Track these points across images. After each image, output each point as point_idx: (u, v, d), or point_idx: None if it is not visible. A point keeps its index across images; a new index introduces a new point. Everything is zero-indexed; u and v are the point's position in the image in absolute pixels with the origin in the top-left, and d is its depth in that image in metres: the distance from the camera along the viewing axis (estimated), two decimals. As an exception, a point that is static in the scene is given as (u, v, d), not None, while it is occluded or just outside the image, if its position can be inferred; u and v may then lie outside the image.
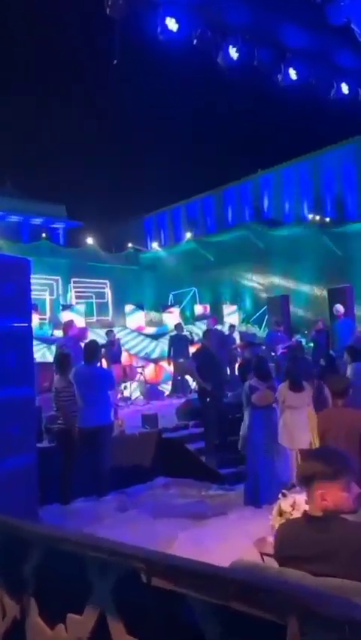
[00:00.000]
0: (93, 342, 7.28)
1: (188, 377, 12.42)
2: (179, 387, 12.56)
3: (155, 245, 23.60)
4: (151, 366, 13.37)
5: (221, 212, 24.39)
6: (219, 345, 10.64)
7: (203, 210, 25.13)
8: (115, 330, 13.03)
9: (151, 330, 14.49)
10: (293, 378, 6.43)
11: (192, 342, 12.59)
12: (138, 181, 26.48)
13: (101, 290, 18.92)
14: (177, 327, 13.18)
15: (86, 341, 8.03)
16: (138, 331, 14.10)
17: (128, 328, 13.90)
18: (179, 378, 12.56)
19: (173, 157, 25.19)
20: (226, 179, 23.89)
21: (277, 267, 19.04)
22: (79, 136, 25.21)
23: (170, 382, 13.24)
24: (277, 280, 19.06)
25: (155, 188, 26.36)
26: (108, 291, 19.02)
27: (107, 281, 19.19)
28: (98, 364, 7.13)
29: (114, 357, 11.36)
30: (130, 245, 23.28)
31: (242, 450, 6.56)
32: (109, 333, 11.95)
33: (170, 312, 15.24)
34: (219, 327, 14.00)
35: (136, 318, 14.28)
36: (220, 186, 24.26)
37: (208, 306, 16.64)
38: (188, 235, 22.32)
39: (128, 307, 14.42)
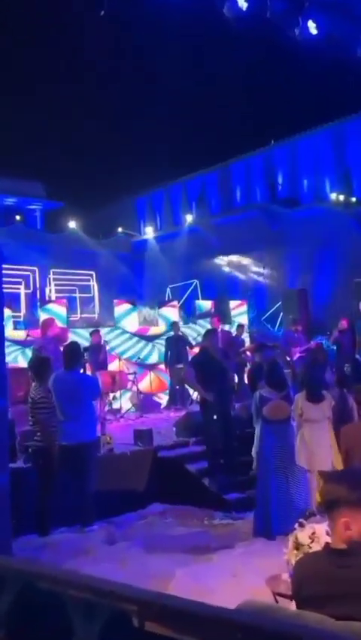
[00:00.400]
0: (74, 344, 7.28)
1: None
2: (177, 397, 12.58)
3: (149, 229, 23.61)
4: (146, 373, 13.36)
5: (228, 190, 24.39)
6: (227, 348, 10.64)
7: (206, 189, 25.13)
8: (103, 330, 13.03)
9: (158, 329, 14.41)
10: (310, 387, 6.42)
11: (190, 347, 12.60)
12: (129, 154, 26.47)
13: (86, 283, 18.93)
14: (174, 326, 13.18)
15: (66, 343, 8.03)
16: (140, 334, 14.05)
17: (118, 328, 13.87)
18: (177, 387, 12.58)
19: (170, 126, 25.21)
20: (233, 151, 23.90)
21: (294, 255, 19.04)
22: (59, 101, 25.21)
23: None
24: (294, 270, 19.06)
25: (149, 162, 26.34)
26: (94, 284, 19.03)
27: (92, 272, 19.20)
28: (81, 370, 7.13)
29: (100, 362, 11.37)
30: (120, 229, 23.29)
31: (256, 471, 6.55)
32: (94, 333, 11.93)
33: (172, 307, 15.17)
34: (226, 327, 13.99)
35: (133, 319, 14.22)
36: (227, 160, 24.25)
37: (212, 303, 16.64)
38: (189, 218, 22.32)
39: (123, 306, 14.34)
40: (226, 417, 8.34)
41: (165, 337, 13.50)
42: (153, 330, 14.41)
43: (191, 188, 25.53)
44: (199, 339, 13.56)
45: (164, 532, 6.68)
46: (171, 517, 7.30)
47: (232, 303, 16.74)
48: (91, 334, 11.91)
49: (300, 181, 22.40)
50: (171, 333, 13.28)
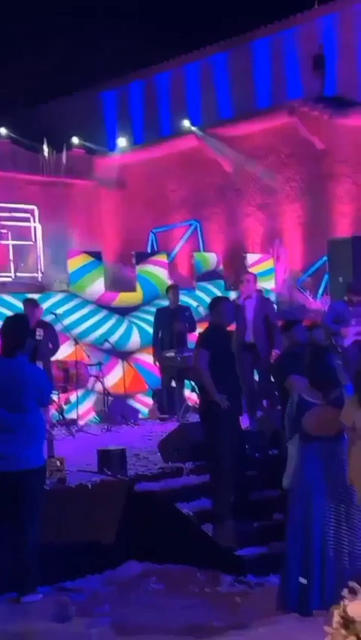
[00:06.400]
0: (17, 318, 7.33)
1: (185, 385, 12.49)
2: (168, 402, 12.60)
3: (122, 142, 23.51)
4: (116, 365, 13.42)
5: (247, 82, 24.21)
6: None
7: (213, 79, 24.93)
8: (50, 299, 13.05)
9: (135, 297, 14.28)
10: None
11: (191, 328, 12.56)
12: (89, 24, 26.20)
13: (24, 223, 18.86)
14: (170, 292, 13.03)
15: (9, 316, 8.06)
16: (108, 304, 13.96)
17: (74, 296, 13.84)
18: (173, 384, 12.54)
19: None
20: (253, 21, 23.73)
21: (347, 185, 19.02)
22: None
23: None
24: (346, 207, 19.07)
25: (122, 36, 26.07)
26: (37, 227, 18.96)
27: (34, 207, 19.11)
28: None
29: (45, 348, 11.34)
30: (76, 141, 23.17)
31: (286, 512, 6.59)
32: (29, 303, 11.54)
33: (158, 263, 15.06)
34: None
35: (96, 281, 14.07)
36: (243, 34, 24.05)
37: (221, 256, 16.66)
38: (184, 124, 22.22)
39: (80, 259, 14.19)
40: (238, 432, 8.42)
41: (153, 309, 13.36)
42: (127, 298, 14.40)
43: (189, 78, 25.32)
44: (201, 311, 13.61)
45: (145, 605, 6.74)
46: (156, 582, 7.35)
47: (251, 258, 16.74)
48: (26, 303, 11.61)
49: (358, 69, 22.28)
50: (166, 302, 13.10)
